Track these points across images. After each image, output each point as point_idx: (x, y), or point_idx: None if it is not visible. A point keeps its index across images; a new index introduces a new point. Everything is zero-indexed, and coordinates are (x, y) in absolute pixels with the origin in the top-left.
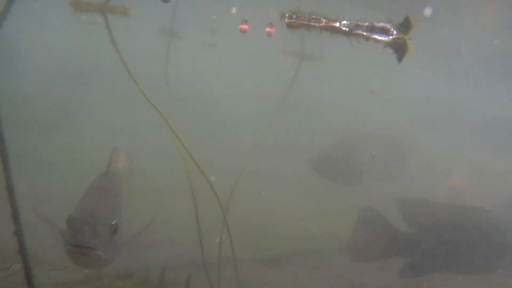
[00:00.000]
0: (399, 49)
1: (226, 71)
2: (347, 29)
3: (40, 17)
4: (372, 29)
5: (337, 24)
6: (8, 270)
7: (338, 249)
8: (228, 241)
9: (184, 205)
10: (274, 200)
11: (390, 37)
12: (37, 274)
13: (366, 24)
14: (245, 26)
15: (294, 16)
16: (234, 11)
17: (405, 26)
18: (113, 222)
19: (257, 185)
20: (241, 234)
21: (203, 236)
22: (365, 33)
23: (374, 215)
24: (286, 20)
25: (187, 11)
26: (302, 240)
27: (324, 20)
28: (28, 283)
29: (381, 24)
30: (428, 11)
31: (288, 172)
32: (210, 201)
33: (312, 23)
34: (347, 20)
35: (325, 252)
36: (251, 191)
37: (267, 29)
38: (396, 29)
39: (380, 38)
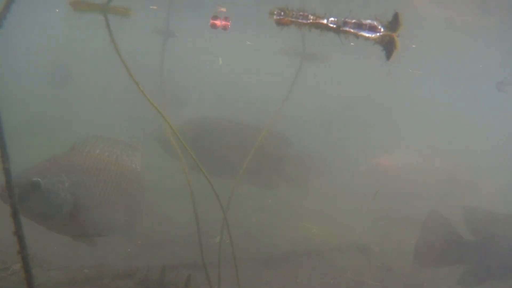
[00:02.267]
0: (387, 46)
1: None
2: (334, 26)
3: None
4: (360, 26)
5: (325, 21)
6: (8, 270)
7: (338, 249)
8: (228, 241)
9: (185, 204)
10: (274, 200)
11: (378, 34)
12: (37, 274)
13: (354, 21)
14: (218, 22)
15: (282, 13)
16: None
17: (393, 24)
18: (34, 179)
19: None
20: (241, 234)
21: (203, 236)
22: (352, 30)
23: (440, 220)
24: (275, 17)
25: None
26: (302, 240)
27: (311, 17)
28: (28, 283)
29: (369, 21)
30: None
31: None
32: (210, 200)
33: (300, 20)
34: (334, 17)
35: (325, 252)
36: (251, 191)
37: (223, 23)
38: (383, 26)
39: (367, 35)
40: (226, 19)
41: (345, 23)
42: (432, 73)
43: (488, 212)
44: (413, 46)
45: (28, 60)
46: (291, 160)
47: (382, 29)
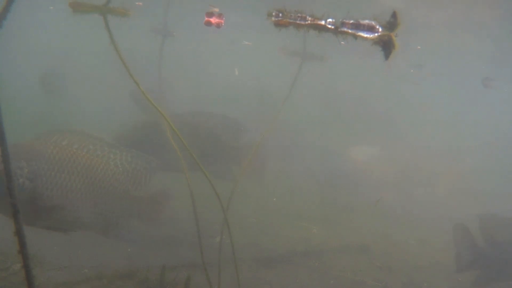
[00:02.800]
0: (386, 46)
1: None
2: (333, 27)
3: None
4: (358, 26)
5: (323, 22)
6: (8, 270)
7: (338, 249)
8: (228, 241)
9: (185, 204)
10: (274, 200)
11: (376, 34)
12: (37, 274)
13: (352, 21)
14: (212, 20)
15: (280, 14)
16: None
17: (391, 23)
18: None
19: (257, 186)
20: (241, 234)
21: (203, 236)
22: (351, 31)
23: (463, 231)
24: (273, 19)
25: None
26: (302, 240)
27: (309, 18)
28: (28, 283)
29: (367, 21)
30: None
31: (289, 172)
32: (211, 201)
33: (298, 21)
34: (332, 18)
35: (325, 252)
36: (251, 191)
37: (216, 20)
38: (381, 26)
39: (365, 35)
40: (219, 16)
41: (343, 24)
42: (424, 71)
43: (504, 218)
44: (418, 47)
45: (24, 58)
46: (247, 151)
47: (380, 29)
